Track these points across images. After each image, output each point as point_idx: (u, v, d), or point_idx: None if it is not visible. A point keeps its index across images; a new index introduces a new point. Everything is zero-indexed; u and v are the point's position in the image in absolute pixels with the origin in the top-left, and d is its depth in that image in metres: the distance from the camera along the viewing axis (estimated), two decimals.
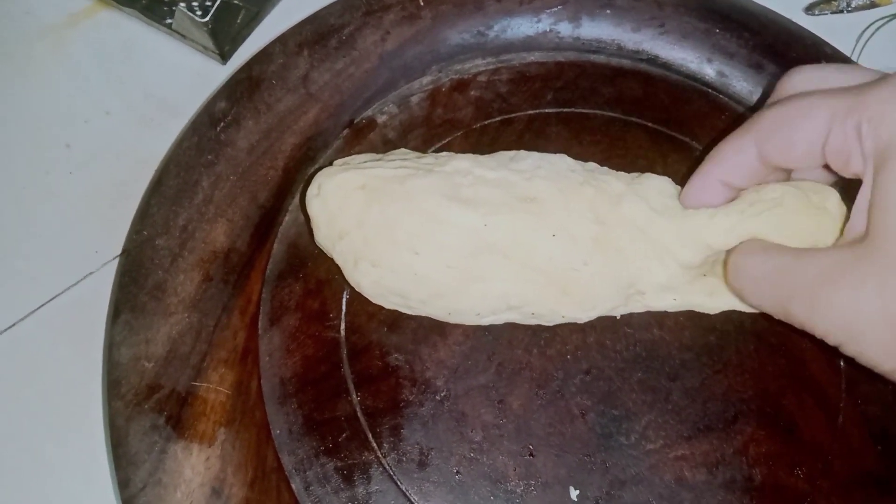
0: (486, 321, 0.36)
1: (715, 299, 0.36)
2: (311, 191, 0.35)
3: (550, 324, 0.37)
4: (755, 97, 0.44)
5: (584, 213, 0.34)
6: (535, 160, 0.36)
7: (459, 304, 0.36)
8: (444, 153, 0.38)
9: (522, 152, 0.37)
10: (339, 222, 0.35)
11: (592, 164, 0.37)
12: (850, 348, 0.27)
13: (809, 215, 0.32)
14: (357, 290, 0.36)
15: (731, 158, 0.32)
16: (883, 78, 0.27)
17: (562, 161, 0.36)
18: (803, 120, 0.29)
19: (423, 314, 0.36)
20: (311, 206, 0.35)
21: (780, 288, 0.29)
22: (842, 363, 0.38)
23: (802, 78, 0.31)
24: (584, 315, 0.36)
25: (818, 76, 0.31)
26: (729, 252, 0.33)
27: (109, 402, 0.34)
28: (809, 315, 0.28)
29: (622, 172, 0.36)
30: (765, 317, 0.33)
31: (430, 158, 0.36)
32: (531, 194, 0.34)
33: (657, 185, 0.35)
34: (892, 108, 0.26)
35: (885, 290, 0.25)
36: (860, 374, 0.37)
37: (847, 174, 0.29)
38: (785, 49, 0.45)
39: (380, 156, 0.37)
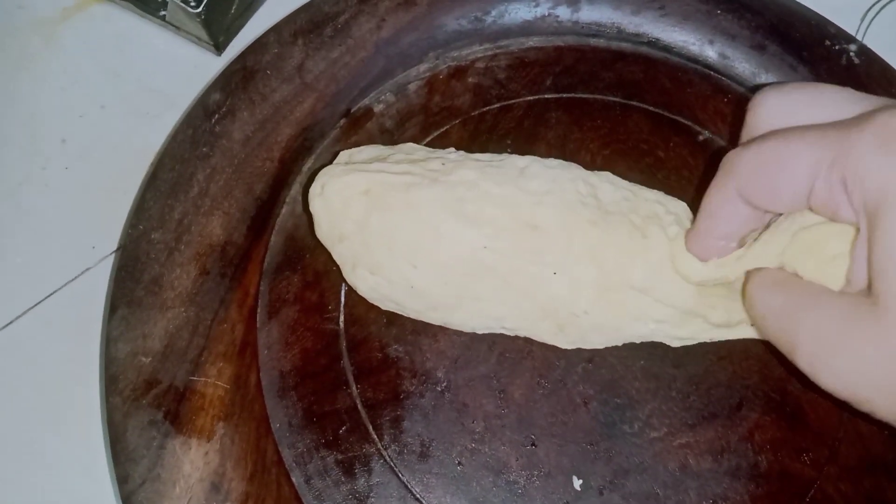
0: (480, 332, 0.36)
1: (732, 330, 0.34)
2: (315, 189, 0.35)
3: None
4: (758, 79, 0.43)
5: (588, 258, 0.33)
6: (546, 183, 0.34)
7: (454, 319, 0.35)
8: (451, 153, 0.36)
9: (534, 166, 0.35)
10: (339, 225, 0.34)
11: (607, 190, 0.34)
12: (860, 407, 0.25)
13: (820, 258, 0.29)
14: (355, 290, 0.35)
15: (721, 212, 0.30)
16: (862, 119, 0.25)
17: (574, 185, 0.34)
18: (782, 170, 0.26)
19: (419, 319, 0.36)
20: (313, 204, 0.35)
21: (785, 333, 0.27)
22: None
23: (772, 107, 0.29)
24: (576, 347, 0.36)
25: (788, 106, 0.28)
26: (746, 277, 0.31)
27: (107, 398, 0.34)
28: (813, 371, 0.25)
29: (641, 212, 0.34)
30: None
31: (436, 163, 0.35)
32: (535, 221, 0.33)
33: (665, 251, 0.33)
34: (875, 160, 0.24)
35: (891, 359, 0.23)
36: None
37: (840, 221, 0.27)
38: (788, 29, 0.44)
39: (386, 151, 0.36)
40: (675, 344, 0.35)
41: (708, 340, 0.34)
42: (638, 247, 0.33)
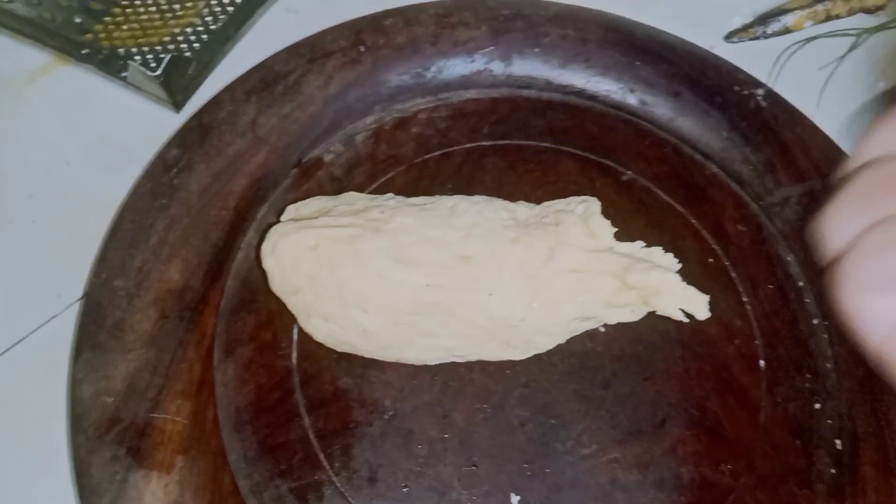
0: (431, 364, 0.39)
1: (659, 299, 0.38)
2: (266, 248, 0.38)
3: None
4: (675, 122, 0.47)
5: (517, 271, 0.37)
6: (472, 217, 0.38)
7: (407, 355, 0.38)
8: (389, 199, 0.40)
9: (462, 204, 0.39)
10: (292, 280, 0.38)
11: (524, 210, 0.40)
12: None
13: None
14: (311, 336, 0.38)
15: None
16: None
17: (496, 213, 0.39)
18: None
19: (374, 358, 0.39)
20: (265, 261, 0.38)
21: None
22: (762, 364, 0.40)
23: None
24: (530, 355, 0.39)
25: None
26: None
27: (73, 436, 0.36)
28: None
29: (552, 215, 0.39)
30: (689, 325, 0.37)
31: (377, 212, 0.38)
32: (468, 252, 0.37)
33: (580, 229, 0.38)
34: None
35: None
36: (779, 375, 0.40)
37: None
38: (700, 76, 0.48)
39: (329, 203, 0.40)
40: (626, 302, 0.38)
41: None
42: (552, 236, 0.38)
